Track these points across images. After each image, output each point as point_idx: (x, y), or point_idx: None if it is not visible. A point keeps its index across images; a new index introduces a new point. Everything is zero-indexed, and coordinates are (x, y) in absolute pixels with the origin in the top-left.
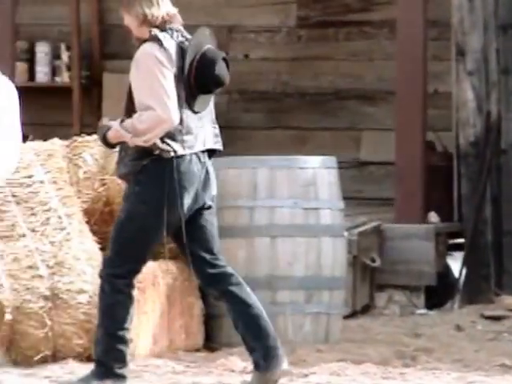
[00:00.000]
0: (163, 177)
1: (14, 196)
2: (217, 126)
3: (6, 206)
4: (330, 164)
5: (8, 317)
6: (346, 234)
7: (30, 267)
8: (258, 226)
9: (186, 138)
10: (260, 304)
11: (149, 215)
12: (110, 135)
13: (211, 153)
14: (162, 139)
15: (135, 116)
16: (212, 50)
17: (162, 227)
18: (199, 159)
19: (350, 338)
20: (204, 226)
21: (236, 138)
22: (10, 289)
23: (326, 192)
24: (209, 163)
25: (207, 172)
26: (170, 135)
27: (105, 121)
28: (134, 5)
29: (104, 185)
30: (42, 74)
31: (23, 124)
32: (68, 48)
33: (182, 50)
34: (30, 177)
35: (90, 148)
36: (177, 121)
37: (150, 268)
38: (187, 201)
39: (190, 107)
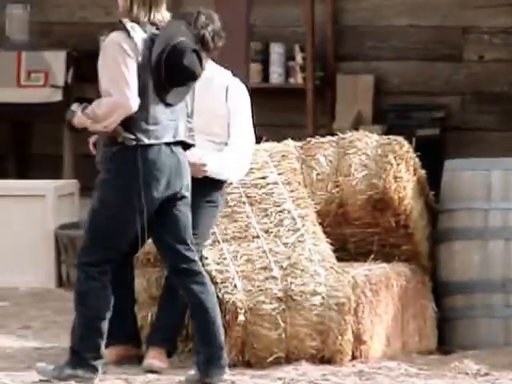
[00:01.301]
0: (129, 165)
1: (247, 197)
2: (191, 121)
3: (240, 206)
4: None
5: (241, 318)
6: None
7: (264, 268)
8: (492, 229)
9: (151, 127)
10: (218, 310)
11: (118, 203)
12: (75, 120)
13: (185, 146)
14: (125, 128)
15: (95, 102)
16: (183, 42)
17: (132, 215)
18: (171, 150)
19: None
20: (177, 215)
21: (470, 139)
22: (243, 290)
23: None
24: (181, 154)
25: (179, 162)
26: (134, 124)
27: (74, 106)
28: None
29: (337, 186)
30: (276, 75)
31: (256, 125)
32: (302, 49)
33: (152, 42)
34: (263, 178)
35: (324, 149)
36: (134, 107)
37: (383, 270)
38: (156, 190)
39: (162, 99)
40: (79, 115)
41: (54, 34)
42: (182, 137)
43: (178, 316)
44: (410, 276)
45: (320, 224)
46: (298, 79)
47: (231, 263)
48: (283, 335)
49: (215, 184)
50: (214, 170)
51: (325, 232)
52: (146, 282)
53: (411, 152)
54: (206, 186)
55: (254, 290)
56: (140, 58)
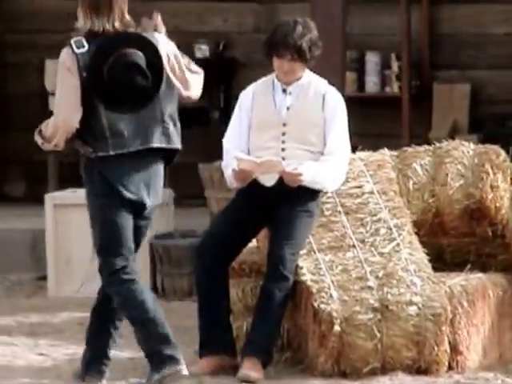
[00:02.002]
0: (95, 176)
1: (343, 206)
2: (169, 125)
3: (336, 216)
4: None
5: (337, 328)
6: None
7: (359, 278)
8: None
9: (110, 139)
10: (160, 310)
11: (104, 207)
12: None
13: (164, 152)
14: (84, 141)
15: (44, 123)
16: (126, 55)
17: (119, 215)
18: (139, 158)
19: None
20: (138, 223)
21: None
22: (339, 300)
23: None
24: (153, 162)
25: (148, 170)
26: (92, 137)
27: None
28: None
29: (434, 196)
30: (372, 84)
31: (352, 134)
32: (398, 58)
33: (99, 54)
34: (359, 187)
35: (420, 158)
36: (73, 126)
37: (480, 280)
38: (123, 191)
39: (114, 110)
40: (35, 136)
41: None
42: (155, 143)
43: (273, 326)
44: (506, 286)
45: (416, 234)
46: (393, 88)
47: (327, 273)
48: (379, 345)
49: (311, 193)
50: (309, 180)
51: (421, 242)
52: (241, 291)
53: (508, 161)
54: (302, 196)
55: (349, 300)
56: (84, 73)
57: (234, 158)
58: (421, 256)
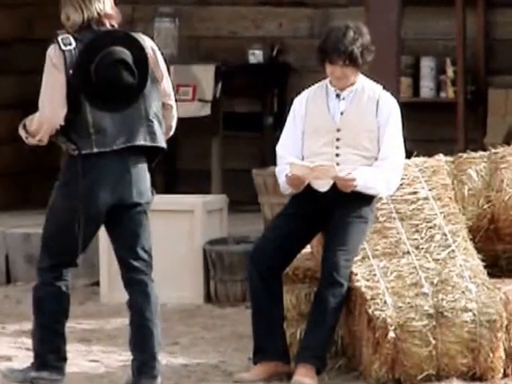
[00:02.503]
0: (73, 174)
1: (398, 213)
2: (154, 123)
3: (391, 222)
4: None
5: (391, 335)
6: None
7: (414, 285)
8: None
9: (94, 136)
10: (157, 321)
11: (63, 211)
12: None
13: (148, 150)
14: (68, 138)
15: (29, 118)
16: (111, 53)
17: (73, 223)
18: (120, 156)
19: None
20: (126, 224)
21: None
22: (393, 306)
23: None
24: (136, 160)
25: (128, 168)
26: (76, 133)
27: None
28: (63, 7)
29: (489, 201)
30: (427, 89)
31: (407, 140)
32: (453, 63)
33: (85, 52)
34: (414, 193)
35: (476, 164)
36: (57, 122)
37: None
38: (98, 198)
39: (99, 107)
40: (19, 130)
41: (203, 47)
42: (139, 141)
43: (327, 333)
44: None
45: (471, 240)
46: (448, 93)
47: (381, 279)
48: (434, 352)
49: (365, 199)
50: (363, 185)
51: (476, 248)
52: (295, 298)
53: None
54: (356, 201)
55: (404, 306)
56: (71, 70)
57: (287, 163)
58: (476, 262)
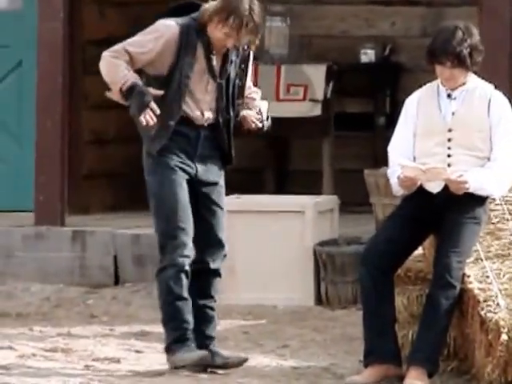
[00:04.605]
0: None
1: (511, 214)
2: None
3: (503, 223)
4: None
5: (504, 337)
6: None
7: None
8: None
9: None
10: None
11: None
12: None
13: None
14: None
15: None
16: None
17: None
18: None
19: None
20: None
21: None
22: (506, 309)
23: None
24: None
25: None
26: None
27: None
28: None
29: None
30: None
31: None
32: None
33: None
34: None
35: None
36: None
37: None
38: None
39: None
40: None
41: (314, 47)
42: None
43: (439, 335)
44: None
45: None
46: None
47: (494, 281)
48: None
49: (477, 200)
50: (474, 187)
51: None
52: (407, 299)
53: None
54: (469, 203)
55: None
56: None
57: (399, 165)
58: None
